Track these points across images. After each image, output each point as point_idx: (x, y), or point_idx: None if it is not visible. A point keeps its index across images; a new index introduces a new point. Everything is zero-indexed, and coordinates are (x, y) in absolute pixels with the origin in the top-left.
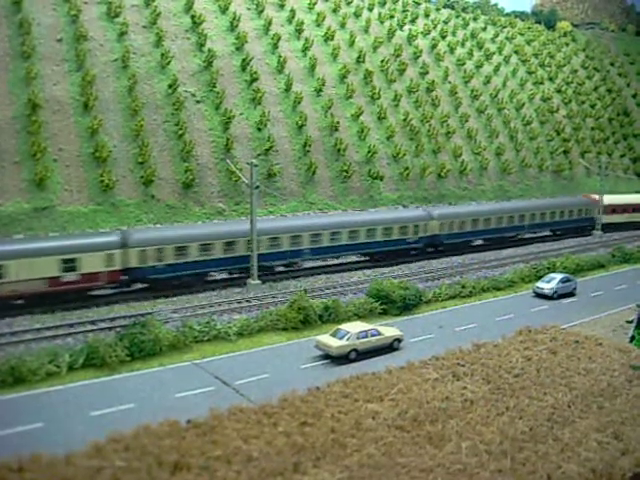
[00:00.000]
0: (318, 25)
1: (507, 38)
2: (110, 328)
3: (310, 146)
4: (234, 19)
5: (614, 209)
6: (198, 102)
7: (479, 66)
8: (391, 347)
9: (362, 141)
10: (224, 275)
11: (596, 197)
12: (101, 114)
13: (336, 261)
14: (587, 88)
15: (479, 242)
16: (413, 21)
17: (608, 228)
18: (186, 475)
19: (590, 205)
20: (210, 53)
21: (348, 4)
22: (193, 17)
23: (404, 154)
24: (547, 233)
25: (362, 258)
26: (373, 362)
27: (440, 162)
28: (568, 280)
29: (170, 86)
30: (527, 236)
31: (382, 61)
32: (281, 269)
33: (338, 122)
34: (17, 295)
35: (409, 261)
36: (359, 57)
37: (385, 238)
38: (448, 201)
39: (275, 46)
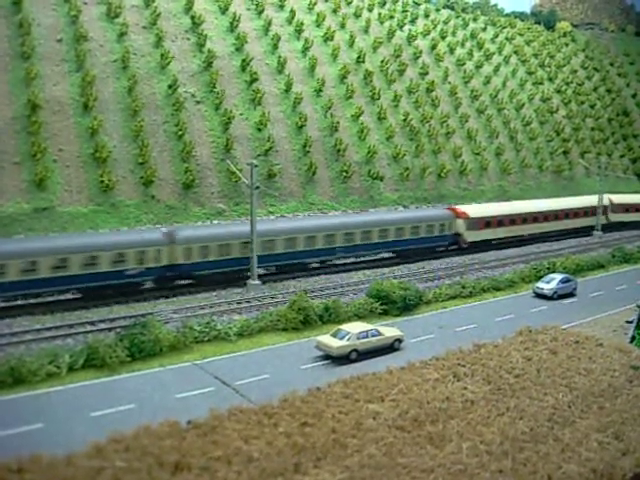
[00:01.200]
0: (318, 25)
1: (507, 38)
2: (110, 329)
3: (310, 146)
4: (234, 19)
5: (488, 222)
6: (198, 102)
7: (479, 66)
8: (391, 347)
9: (362, 141)
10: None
11: (462, 209)
12: (101, 114)
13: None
14: (587, 88)
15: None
16: (413, 21)
17: (475, 246)
18: (187, 475)
19: (450, 219)
20: (210, 54)
21: (348, 4)
22: (193, 18)
23: (404, 154)
24: (386, 255)
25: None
26: (374, 362)
27: (440, 162)
28: (568, 280)
29: (170, 87)
30: (347, 261)
31: (382, 61)
32: None
33: (338, 122)
34: None
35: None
36: (359, 57)
37: (85, 271)
38: (448, 201)
39: (275, 46)
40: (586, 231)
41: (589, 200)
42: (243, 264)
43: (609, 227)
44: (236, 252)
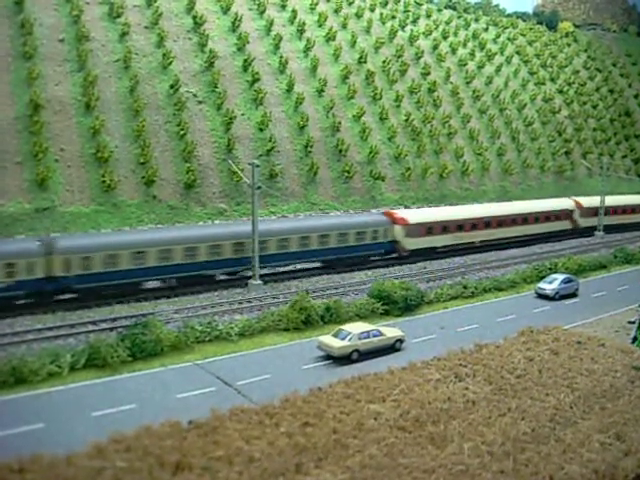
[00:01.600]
0: (320, 26)
1: (509, 39)
2: (112, 328)
3: (312, 147)
4: (236, 19)
5: (430, 228)
6: (200, 103)
7: (481, 67)
8: (393, 348)
9: (364, 141)
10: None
11: (401, 214)
12: (103, 114)
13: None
14: (589, 89)
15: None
16: (415, 22)
17: (417, 255)
18: (188, 475)
19: (385, 225)
20: (212, 54)
21: (350, 5)
22: (195, 18)
23: (406, 155)
24: (316, 265)
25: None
26: (375, 363)
27: (442, 163)
28: (570, 281)
29: (172, 87)
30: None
31: (384, 62)
32: None
33: (340, 123)
34: None
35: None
36: (361, 58)
37: None
38: (450, 201)
39: (277, 47)
40: (553, 237)
41: (557, 203)
42: (135, 276)
43: (577, 234)
44: (125, 263)
